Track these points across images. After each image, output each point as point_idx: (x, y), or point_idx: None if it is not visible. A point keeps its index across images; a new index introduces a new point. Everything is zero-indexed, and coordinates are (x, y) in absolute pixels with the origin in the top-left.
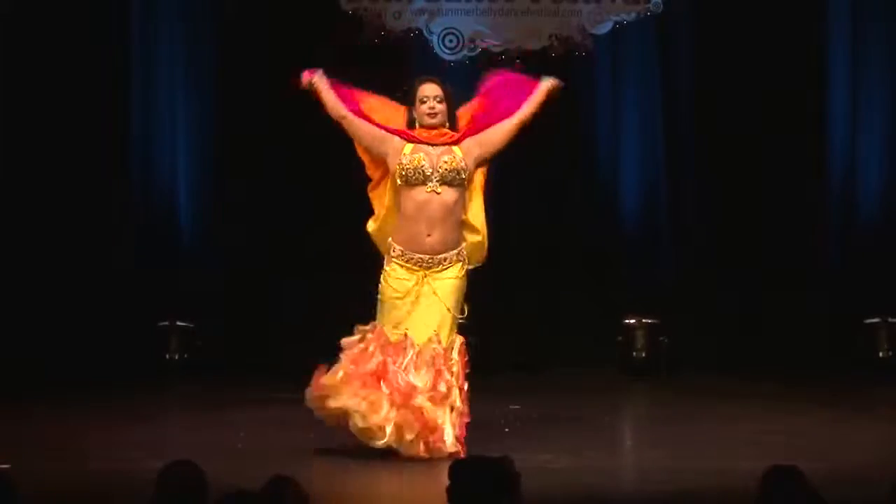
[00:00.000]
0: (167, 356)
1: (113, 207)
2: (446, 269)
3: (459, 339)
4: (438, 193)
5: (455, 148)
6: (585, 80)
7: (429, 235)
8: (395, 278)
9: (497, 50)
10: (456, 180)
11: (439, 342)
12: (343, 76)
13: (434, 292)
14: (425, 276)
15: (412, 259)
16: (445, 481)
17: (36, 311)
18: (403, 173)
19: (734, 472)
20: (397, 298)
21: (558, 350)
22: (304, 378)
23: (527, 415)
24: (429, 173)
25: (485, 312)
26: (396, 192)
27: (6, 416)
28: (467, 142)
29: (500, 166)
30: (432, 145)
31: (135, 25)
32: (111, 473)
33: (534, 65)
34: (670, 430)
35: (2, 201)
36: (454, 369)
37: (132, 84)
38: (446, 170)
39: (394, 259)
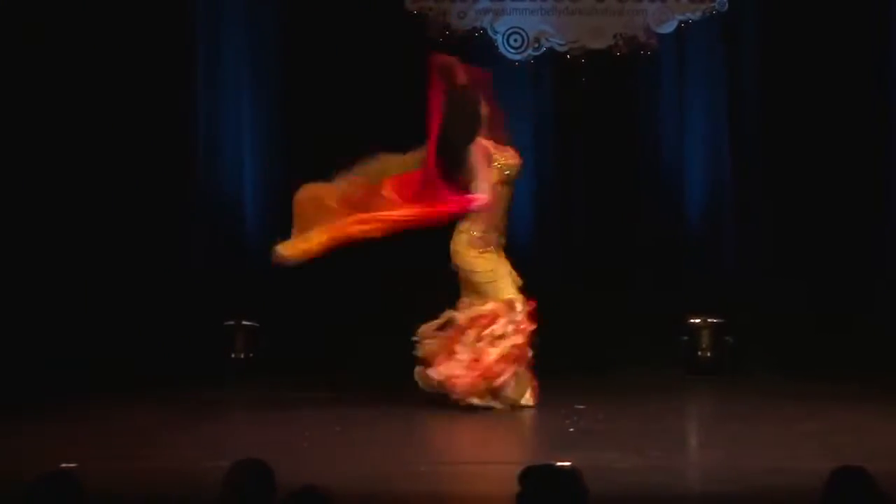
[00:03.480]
0: (233, 355)
1: (180, 207)
2: None
3: None
4: None
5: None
6: (650, 79)
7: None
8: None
9: (562, 49)
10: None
11: None
12: (407, 75)
13: None
14: None
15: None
16: (515, 488)
17: (102, 311)
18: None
19: (800, 472)
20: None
21: (624, 350)
22: (369, 376)
23: (592, 414)
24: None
25: (551, 313)
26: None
27: (72, 415)
28: None
29: (563, 166)
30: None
31: (199, 25)
32: (177, 472)
33: (598, 64)
34: (735, 429)
35: (73, 204)
36: None
37: (197, 84)
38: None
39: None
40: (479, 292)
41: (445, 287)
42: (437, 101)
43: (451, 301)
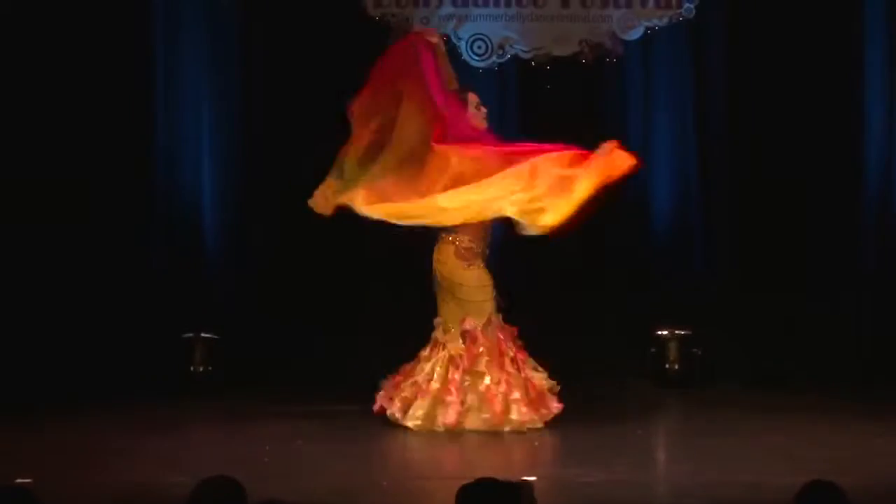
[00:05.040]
0: (191, 368)
1: (137, 217)
2: None
3: None
4: None
5: None
6: (617, 87)
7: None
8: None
9: (526, 56)
10: None
11: None
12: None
13: None
14: None
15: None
16: None
17: (58, 323)
18: None
19: (770, 486)
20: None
21: (589, 362)
22: (331, 390)
23: (558, 426)
24: None
25: (514, 323)
26: None
27: (28, 429)
28: None
29: None
30: None
31: (158, 26)
32: (134, 488)
33: (564, 71)
34: (704, 443)
35: (28, 216)
36: None
37: (155, 95)
38: None
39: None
40: (462, 305)
41: (409, 300)
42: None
43: (415, 316)
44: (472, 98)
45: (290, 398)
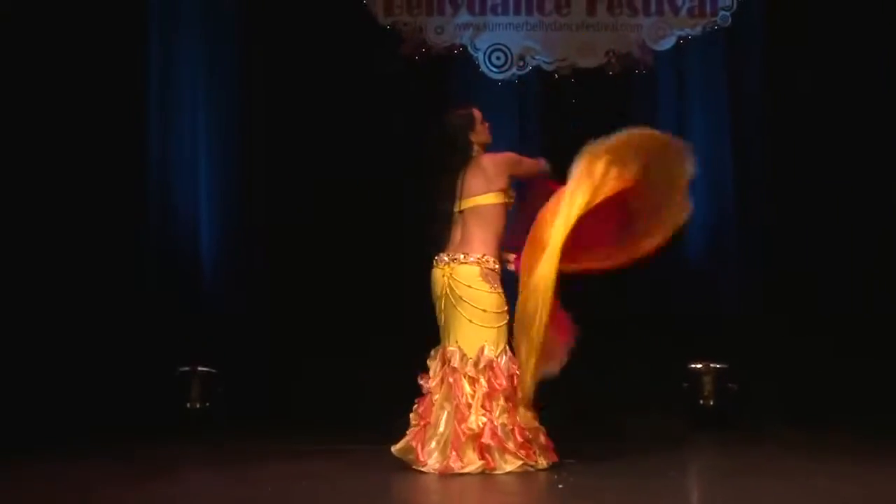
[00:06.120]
0: (188, 405)
1: (132, 247)
2: None
3: None
4: None
5: None
6: (646, 101)
7: None
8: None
9: (549, 68)
10: None
11: None
12: (379, 101)
13: None
14: None
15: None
16: None
17: (49, 357)
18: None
19: None
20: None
21: (620, 397)
22: (336, 426)
23: (584, 467)
24: None
25: None
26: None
27: (17, 468)
28: None
29: None
30: None
31: (153, 44)
32: None
33: (589, 84)
34: (740, 484)
35: (21, 248)
36: None
37: (150, 127)
38: None
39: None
40: (479, 333)
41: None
42: None
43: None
44: (477, 114)
45: (292, 435)
